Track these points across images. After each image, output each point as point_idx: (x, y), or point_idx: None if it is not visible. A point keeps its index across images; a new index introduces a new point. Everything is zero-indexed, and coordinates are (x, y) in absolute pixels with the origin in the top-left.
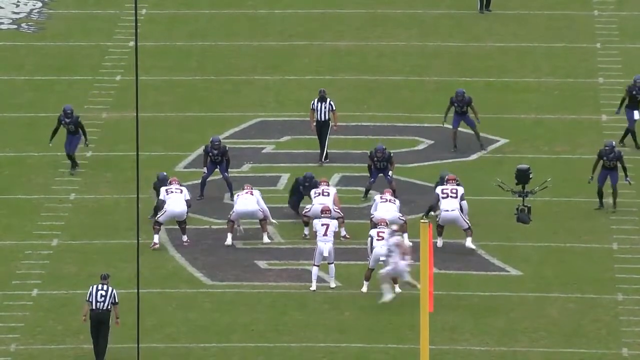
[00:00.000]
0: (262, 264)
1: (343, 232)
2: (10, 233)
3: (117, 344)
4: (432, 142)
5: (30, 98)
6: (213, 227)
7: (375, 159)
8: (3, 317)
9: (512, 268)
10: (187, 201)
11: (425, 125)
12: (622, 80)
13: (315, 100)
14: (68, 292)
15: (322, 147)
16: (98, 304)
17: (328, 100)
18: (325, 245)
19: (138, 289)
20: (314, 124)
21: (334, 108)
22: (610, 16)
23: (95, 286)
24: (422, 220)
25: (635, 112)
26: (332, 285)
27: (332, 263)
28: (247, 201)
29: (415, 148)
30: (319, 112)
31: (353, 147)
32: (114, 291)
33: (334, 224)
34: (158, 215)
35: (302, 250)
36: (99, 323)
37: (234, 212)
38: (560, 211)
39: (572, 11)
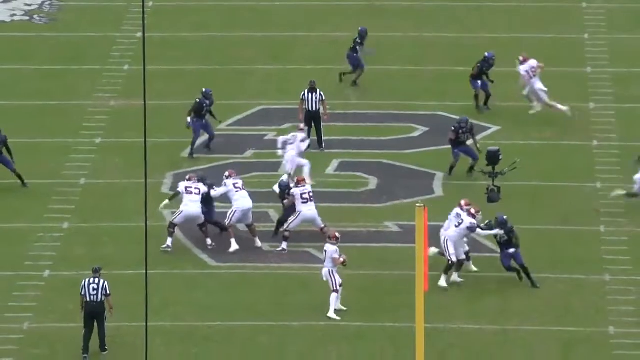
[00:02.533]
0: (265, 246)
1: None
2: (23, 216)
3: (126, 322)
4: (427, 129)
5: (41, 87)
6: (217, 210)
7: (461, 130)
8: (16, 297)
9: None
10: (204, 195)
11: (421, 112)
12: (609, 69)
13: (306, 91)
14: (78, 273)
15: (318, 135)
16: (91, 296)
17: (318, 91)
18: (323, 270)
19: (146, 270)
20: (303, 114)
21: (324, 98)
22: (598, 8)
23: (87, 279)
24: (417, 205)
25: (479, 82)
26: (334, 309)
27: (335, 291)
28: (247, 199)
29: (411, 135)
30: (309, 103)
31: (351, 134)
32: (106, 283)
33: (331, 250)
34: (173, 217)
35: (304, 233)
36: (94, 315)
37: (235, 211)
38: (550, 195)
39: (561, 3)
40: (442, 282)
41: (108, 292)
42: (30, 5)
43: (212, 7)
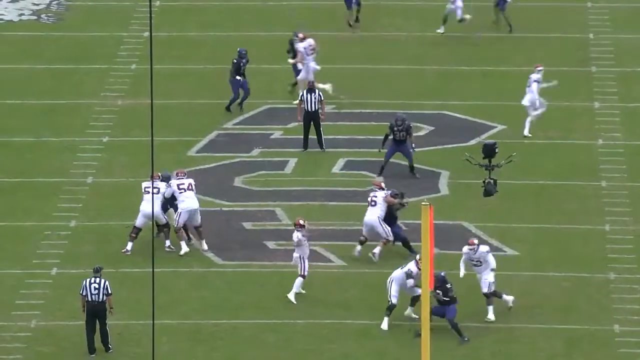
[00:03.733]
0: (270, 244)
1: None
2: (31, 214)
3: (133, 320)
4: (433, 128)
5: (50, 86)
6: (224, 209)
7: (396, 128)
8: (24, 294)
9: (508, 248)
10: (165, 200)
11: (426, 112)
12: (614, 69)
13: (304, 91)
14: (86, 271)
15: (318, 136)
16: (92, 296)
17: (317, 91)
18: (294, 254)
19: (153, 268)
20: (301, 114)
21: (323, 98)
22: (602, 7)
23: (88, 279)
24: (423, 203)
25: (238, 78)
26: (291, 298)
27: (302, 276)
28: (192, 200)
29: (417, 134)
30: (308, 103)
31: (357, 133)
32: (107, 283)
33: (295, 237)
34: (135, 220)
35: (315, 231)
36: (95, 314)
37: (180, 213)
38: (554, 194)
39: (566, 3)
40: (385, 325)
41: (109, 292)
42: (38, 4)
43: (218, 7)
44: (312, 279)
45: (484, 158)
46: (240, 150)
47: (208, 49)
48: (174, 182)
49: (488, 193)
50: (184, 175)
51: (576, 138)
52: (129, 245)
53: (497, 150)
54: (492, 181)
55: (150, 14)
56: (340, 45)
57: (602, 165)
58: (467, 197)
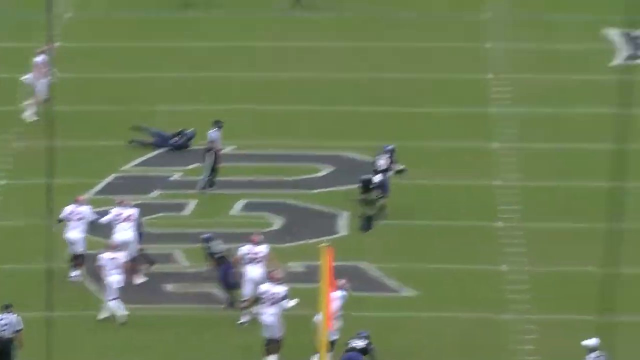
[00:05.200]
0: (169, 287)
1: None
2: None
3: None
4: (333, 168)
5: None
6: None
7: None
8: None
9: (407, 288)
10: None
11: (325, 153)
12: (513, 109)
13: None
14: None
15: (206, 175)
16: (1, 332)
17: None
18: None
19: (49, 310)
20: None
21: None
22: (500, 49)
23: None
24: (322, 244)
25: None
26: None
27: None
28: (124, 232)
29: (316, 175)
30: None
31: (256, 174)
32: (18, 319)
33: None
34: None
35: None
36: (2, 351)
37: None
38: (453, 234)
39: (465, 43)
40: None
41: (18, 328)
42: None
43: (118, 48)
44: (210, 322)
45: (361, 193)
46: (139, 191)
47: (108, 90)
48: (113, 211)
49: (363, 229)
50: (127, 205)
51: (474, 178)
52: (77, 272)
53: (372, 187)
54: (368, 216)
55: (50, 59)
56: (240, 86)
57: (499, 205)
58: (366, 237)
